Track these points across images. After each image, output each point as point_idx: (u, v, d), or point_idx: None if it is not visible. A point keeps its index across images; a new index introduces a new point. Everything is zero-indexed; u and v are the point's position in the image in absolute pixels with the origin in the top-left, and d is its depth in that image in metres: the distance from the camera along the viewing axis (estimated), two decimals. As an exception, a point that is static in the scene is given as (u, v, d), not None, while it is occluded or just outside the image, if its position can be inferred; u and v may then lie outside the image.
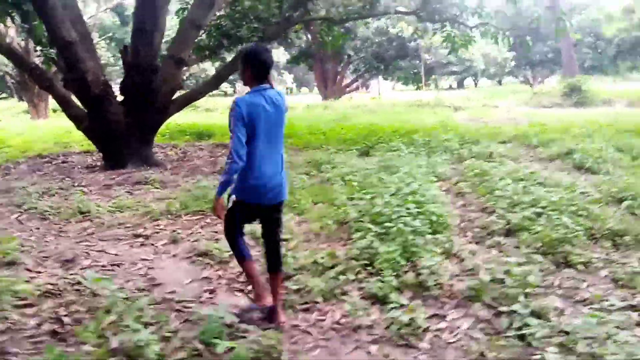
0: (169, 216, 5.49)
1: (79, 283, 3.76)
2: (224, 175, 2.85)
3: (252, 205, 3.01)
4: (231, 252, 4.10)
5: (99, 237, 4.94)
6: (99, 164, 9.46)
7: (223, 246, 4.23)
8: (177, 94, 9.70)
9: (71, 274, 3.97)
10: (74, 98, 9.00)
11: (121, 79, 8.93)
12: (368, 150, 9.49)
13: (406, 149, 8.49)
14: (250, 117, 2.81)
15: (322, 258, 3.74)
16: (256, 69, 2.92)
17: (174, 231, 4.95)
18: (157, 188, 7.12)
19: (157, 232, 4.94)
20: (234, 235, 3.18)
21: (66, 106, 8.75)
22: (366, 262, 3.73)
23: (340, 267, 3.67)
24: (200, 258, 4.18)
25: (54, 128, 15.36)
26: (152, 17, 8.73)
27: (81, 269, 4.09)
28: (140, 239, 4.77)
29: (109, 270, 4.06)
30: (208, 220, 5.29)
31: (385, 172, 6.79)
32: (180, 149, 11.21)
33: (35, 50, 9.33)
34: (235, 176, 2.86)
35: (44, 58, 8.80)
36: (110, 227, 5.26)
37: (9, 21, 10.26)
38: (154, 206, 5.86)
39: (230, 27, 10.28)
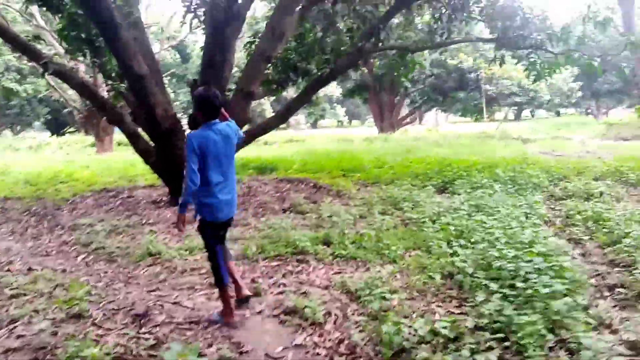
0: (246, 261, 4.96)
1: (153, 346, 3.26)
2: (182, 198, 3.39)
3: (211, 223, 3.51)
4: (325, 312, 3.55)
5: (171, 285, 4.46)
6: (164, 198, 9.20)
7: (314, 303, 3.64)
8: (244, 127, 9.38)
9: (144, 333, 3.48)
10: (142, 133, 8.84)
11: (186, 114, 8.71)
12: (445, 186, 8.76)
13: (495, 186, 7.69)
14: (200, 148, 3.34)
15: (444, 328, 3.04)
16: (206, 110, 3.45)
17: (254, 280, 4.41)
18: (226, 227, 6.67)
19: (236, 282, 4.40)
20: (215, 258, 3.55)
21: (135, 141, 8.59)
22: (500, 334, 3.00)
23: (468, 339, 2.97)
24: (289, 317, 3.58)
25: (119, 161, 15.54)
26: (222, 50, 8.52)
27: (155, 326, 3.59)
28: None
29: (185, 329, 3.53)
30: (289, 268, 4.72)
31: (478, 212, 6.05)
32: (244, 184, 10.85)
33: (107, 85, 9.29)
34: (190, 197, 3.39)
35: (114, 92, 8.73)
36: (183, 272, 4.79)
37: (79, 57, 10.43)
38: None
39: (297, 59, 9.96)
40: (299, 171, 12.14)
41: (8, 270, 5.14)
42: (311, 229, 6.16)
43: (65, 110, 29.41)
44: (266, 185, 10.63)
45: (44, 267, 5.19)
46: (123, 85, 8.92)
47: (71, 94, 24.88)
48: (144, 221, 7.22)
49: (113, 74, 9.26)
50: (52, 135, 34.47)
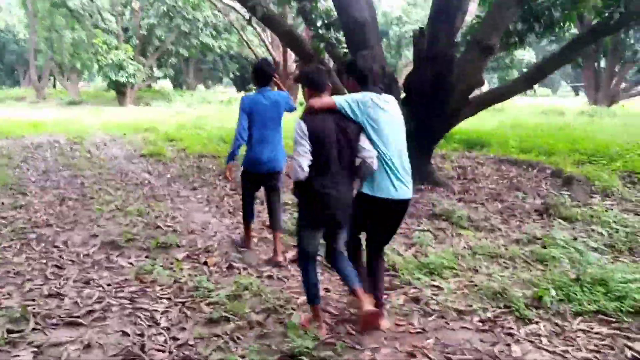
0: (539, 311, 3.08)
1: None
2: (231, 149, 4.05)
3: (252, 173, 4.13)
4: None
5: (443, 340, 2.81)
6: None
7: None
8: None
9: None
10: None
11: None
12: None
13: None
14: (250, 109, 3.97)
15: None
16: (259, 78, 4.05)
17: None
18: (464, 228, 4.88)
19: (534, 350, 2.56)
20: (245, 199, 4.32)
21: (341, 102, 7.15)
22: None
23: None
24: None
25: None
26: (458, -6, 6.53)
27: None
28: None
29: None
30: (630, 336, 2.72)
31: None
32: (453, 162, 8.93)
33: (312, 36, 7.96)
34: (237, 149, 4.02)
35: (324, 44, 7.32)
36: (445, 313, 3.11)
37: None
38: (494, 278, 3.57)
39: (547, 5, 7.49)
40: (519, 150, 9.77)
41: (205, 263, 4.05)
42: (613, 254, 4.04)
43: (253, 67, 30.14)
44: (483, 166, 8.56)
45: (246, 266, 3.99)
46: (333, 35, 7.51)
47: (260, 52, 25.14)
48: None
49: (318, 22, 7.91)
50: (239, 91, 36.12)
